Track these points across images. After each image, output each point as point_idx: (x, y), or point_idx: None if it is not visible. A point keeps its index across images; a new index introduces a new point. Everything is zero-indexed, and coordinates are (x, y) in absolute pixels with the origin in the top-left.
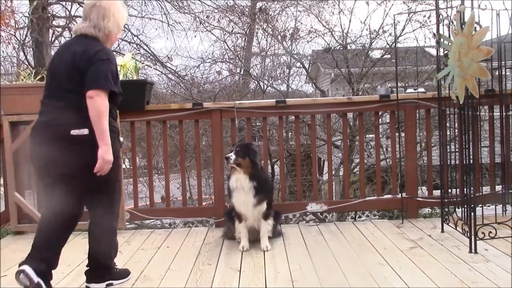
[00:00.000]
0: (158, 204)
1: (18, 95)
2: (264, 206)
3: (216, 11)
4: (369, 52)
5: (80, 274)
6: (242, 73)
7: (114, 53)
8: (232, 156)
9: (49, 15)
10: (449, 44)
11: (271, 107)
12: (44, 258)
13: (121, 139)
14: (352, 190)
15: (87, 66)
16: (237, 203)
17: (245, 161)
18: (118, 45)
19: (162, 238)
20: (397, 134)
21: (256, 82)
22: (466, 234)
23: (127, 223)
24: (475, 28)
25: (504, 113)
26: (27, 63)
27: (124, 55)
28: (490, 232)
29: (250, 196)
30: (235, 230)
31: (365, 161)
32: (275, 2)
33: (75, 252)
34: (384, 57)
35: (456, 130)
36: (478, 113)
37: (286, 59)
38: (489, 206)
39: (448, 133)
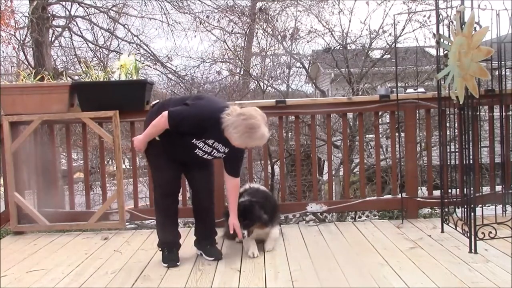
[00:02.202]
0: None
1: (18, 95)
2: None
3: (216, 11)
4: (369, 52)
5: (80, 274)
6: (242, 73)
7: (114, 53)
8: (245, 234)
9: (49, 15)
10: (449, 44)
11: (271, 107)
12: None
13: (157, 137)
14: (352, 190)
15: None
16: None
17: (254, 225)
18: (118, 45)
19: None
20: (397, 134)
21: (256, 82)
22: (466, 234)
23: (127, 223)
24: (475, 28)
25: (504, 113)
26: (27, 63)
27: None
28: (490, 232)
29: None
30: None
31: (365, 161)
32: (275, 2)
33: (75, 252)
34: (384, 57)
35: (456, 130)
36: (478, 113)
37: (286, 59)
38: (489, 206)
39: (448, 133)
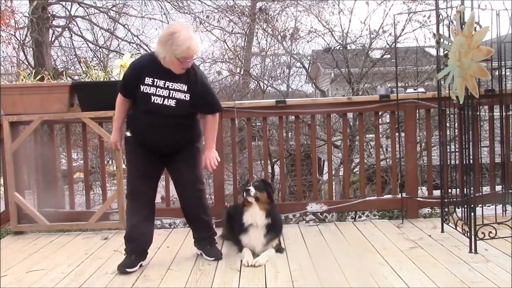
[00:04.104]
0: (158, 204)
1: (18, 95)
2: (274, 243)
3: (216, 11)
4: (369, 52)
5: (80, 274)
6: (242, 73)
7: (114, 53)
8: (252, 189)
9: (49, 15)
10: (449, 44)
11: (271, 107)
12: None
13: (127, 133)
14: (352, 190)
15: None
16: (247, 241)
17: (263, 195)
18: (118, 45)
19: (162, 238)
20: (397, 134)
21: (256, 82)
22: (466, 234)
23: None
24: (475, 28)
25: (504, 113)
26: (27, 63)
27: (124, 55)
28: (490, 232)
29: (261, 234)
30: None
31: (365, 161)
32: (275, 2)
33: (75, 252)
34: (384, 57)
35: (456, 130)
36: (478, 113)
37: (286, 59)
38: (489, 206)
39: (448, 133)
